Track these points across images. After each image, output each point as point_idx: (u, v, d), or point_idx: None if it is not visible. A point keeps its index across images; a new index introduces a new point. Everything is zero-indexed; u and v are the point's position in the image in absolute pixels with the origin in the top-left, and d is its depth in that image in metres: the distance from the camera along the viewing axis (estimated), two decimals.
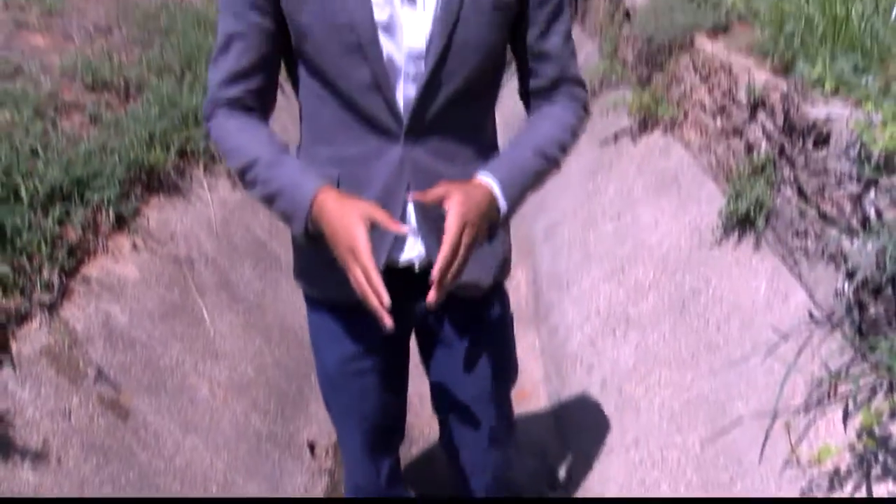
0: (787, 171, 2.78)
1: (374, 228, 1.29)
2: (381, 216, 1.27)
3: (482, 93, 1.52)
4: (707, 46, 3.60)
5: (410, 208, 1.49)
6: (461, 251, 1.28)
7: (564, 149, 1.55)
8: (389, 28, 1.35)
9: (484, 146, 1.57)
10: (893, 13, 2.98)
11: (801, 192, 2.68)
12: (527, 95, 1.61)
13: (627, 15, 4.98)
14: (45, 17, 4.32)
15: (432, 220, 1.48)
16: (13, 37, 3.91)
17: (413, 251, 1.54)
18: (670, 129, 3.80)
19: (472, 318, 1.75)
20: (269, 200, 1.44)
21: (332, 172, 1.47)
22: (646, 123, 4.03)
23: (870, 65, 2.72)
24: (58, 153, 2.82)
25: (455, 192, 1.29)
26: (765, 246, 2.82)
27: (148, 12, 4.81)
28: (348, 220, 1.27)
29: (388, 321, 1.25)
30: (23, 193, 2.52)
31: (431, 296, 1.27)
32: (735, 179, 2.97)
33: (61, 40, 4.06)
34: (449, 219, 1.27)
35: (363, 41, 1.34)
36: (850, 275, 2.31)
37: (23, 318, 2.26)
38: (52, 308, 2.36)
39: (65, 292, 2.47)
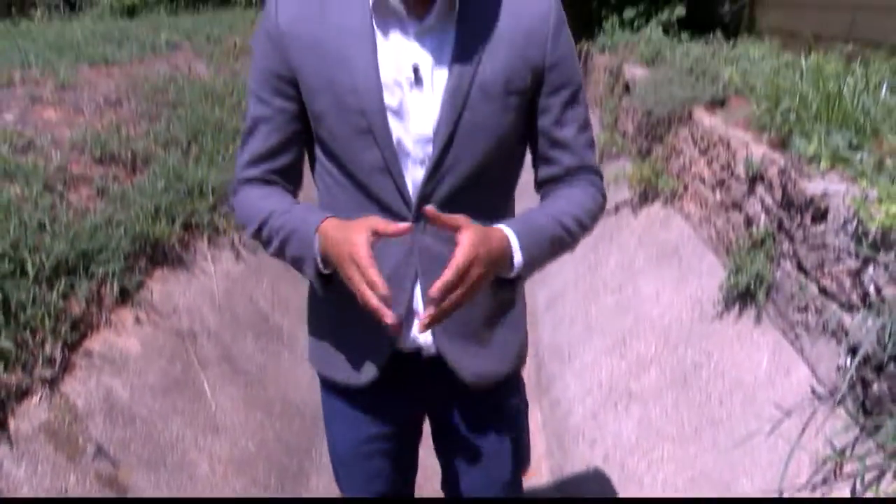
0: (786, 246, 2.80)
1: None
2: (381, 224, 1.26)
3: (495, 178, 1.49)
4: (705, 120, 3.66)
5: (418, 293, 1.48)
6: (465, 283, 1.24)
7: (582, 226, 1.50)
8: (399, 112, 1.37)
9: None
10: (883, 90, 3.04)
11: (800, 267, 2.69)
12: (541, 185, 1.58)
13: (627, 87, 5.08)
14: (58, 90, 4.42)
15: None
16: (28, 111, 4.00)
17: (421, 336, 1.52)
18: (671, 201, 3.84)
19: (486, 406, 1.71)
20: (283, 250, 1.44)
21: None
22: (646, 195, 4.08)
23: (863, 141, 2.77)
24: (65, 226, 2.86)
25: (471, 225, 1.26)
26: (766, 320, 2.82)
27: (156, 85, 4.92)
28: (349, 231, 1.27)
29: (390, 317, 1.22)
30: (29, 267, 2.55)
31: (423, 316, 1.23)
32: (735, 253, 2.99)
33: (72, 113, 4.15)
34: (459, 248, 1.23)
35: (373, 125, 1.36)
36: (853, 351, 2.31)
37: (23, 393, 2.26)
38: (52, 383, 2.36)
39: (66, 367, 2.47)
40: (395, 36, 1.37)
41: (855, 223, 2.39)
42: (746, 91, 3.74)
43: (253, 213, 1.47)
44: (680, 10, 6.54)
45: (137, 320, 2.89)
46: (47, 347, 2.39)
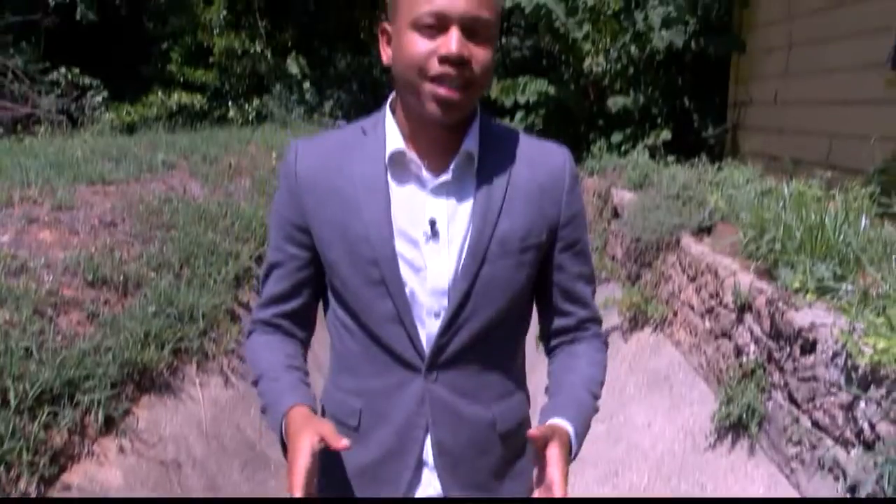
0: (777, 377, 2.80)
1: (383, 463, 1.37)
2: (327, 433, 1.25)
3: (507, 332, 1.48)
4: (693, 247, 3.72)
5: (428, 444, 1.45)
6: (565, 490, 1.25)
7: (602, 387, 1.54)
8: (413, 264, 1.38)
9: (509, 386, 1.53)
10: (862, 221, 3.11)
11: (792, 399, 2.68)
12: (549, 335, 1.59)
13: (616, 211, 5.17)
14: (55, 211, 4.47)
15: (449, 458, 1.45)
16: (23, 232, 4.03)
17: (429, 488, 1.48)
18: (661, 328, 3.85)
19: None
20: (264, 414, 1.46)
21: (355, 404, 1.47)
22: (636, 321, 4.09)
23: (847, 272, 2.81)
24: (52, 353, 2.84)
25: (557, 440, 1.28)
26: (759, 452, 2.78)
27: (151, 206, 4.98)
28: (300, 435, 1.26)
29: None
30: (11, 397, 2.51)
31: None
32: (726, 383, 2.98)
33: (67, 235, 4.18)
34: (554, 468, 1.25)
35: (385, 276, 1.36)
36: (852, 489, 2.27)
37: None
38: None
39: None
40: (412, 188, 1.39)
41: (844, 356, 2.40)
42: (732, 218, 3.82)
43: (254, 366, 1.51)
44: (666, 135, 6.75)
45: (121, 450, 2.83)
46: (21, 483, 2.33)
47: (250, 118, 13.59)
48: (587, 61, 7.37)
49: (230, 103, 13.91)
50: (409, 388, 1.42)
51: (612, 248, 5.08)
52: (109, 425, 2.84)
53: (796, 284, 2.76)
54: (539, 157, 1.46)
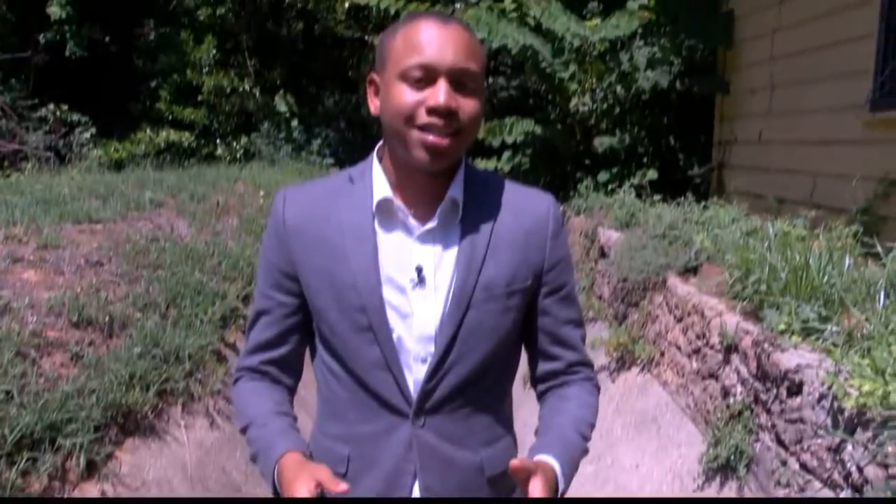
0: (764, 418, 2.80)
1: None
2: (324, 478, 1.25)
3: (494, 376, 1.49)
4: (679, 287, 3.73)
5: (416, 490, 1.45)
6: None
7: (593, 428, 1.54)
8: (400, 311, 1.39)
9: (497, 429, 1.52)
10: (846, 262, 3.14)
11: (780, 441, 2.68)
12: (538, 380, 1.60)
13: (603, 251, 5.19)
14: (40, 250, 4.45)
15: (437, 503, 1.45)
16: (7, 272, 4.00)
17: None
18: (648, 368, 3.85)
19: None
20: (255, 460, 1.46)
21: (342, 451, 1.46)
22: (623, 361, 4.09)
23: (832, 313, 2.83)
24: (34, 396, 2.81)
25: (540, 474, 1.27)
26: (748, 494, 2.77)
27: (138, 245, 4.96)
28: (296, 481, 1.27)
29: None
30: None
31: None
32: (713, 424, 2.98)
33: (52, 275, 4.15)
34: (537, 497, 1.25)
35: (373, 323, 1.37)
36: None
37: None
38: None
39: None
40: (398, 235, 1.40)
41: (830, 399, 2.40)
42: (718, 258, 3.84)
43: (241, 413, 1.50)
44: (652, 174, 6.80)
45: (103, 494, 2.78)
46: None
47: (238, 156, 13.63)
48: (573, 101, 7.45)
49: (218, 141, 13.95)
50: (397, 434, 1.42)
51: (599, 287, 5.09)
52: (91, 470, 2.81)
53: (782, 326, 2.78)
54: (524, 203, 1.48)
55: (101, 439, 2.91)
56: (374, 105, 1.41)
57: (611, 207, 5.78)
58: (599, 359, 4.31)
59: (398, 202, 1.39)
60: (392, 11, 7.35)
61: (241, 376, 1.55)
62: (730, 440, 2.82)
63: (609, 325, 4.43)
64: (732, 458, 2.79)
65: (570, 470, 1.42)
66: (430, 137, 1.30)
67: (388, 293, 1.38)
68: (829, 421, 2.40)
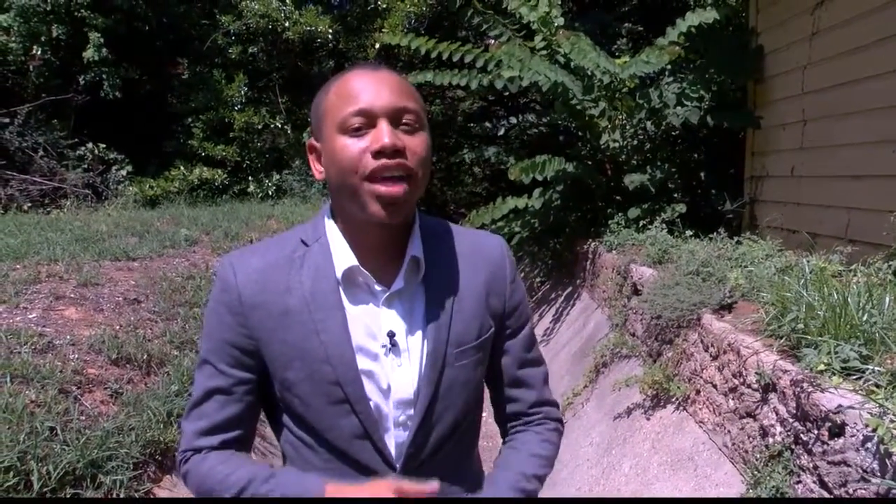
0: (805, 459, 2.75)
1: None
2: (408, 485, 1.26)
3: (468, 427, 1.52)
4: (714, 325, 3.70)
5: None
6: None
7: (542, 481, 1.54)
8: (375, 379, 1.37)
9: (472, 479, 1.55)
10: (886, 301, 3.09)
11: (823, 483, 2.63)
12: (501, 421, 1.63)
13: (636, 288, 5.16)
14: (80, 287, 4.55)
15: None
16: (49, 309, 4.09)
17: None
18: (683, 406, 3.81)
19: None
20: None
21: None
22: (658, 399, 4.05)
23: (874, 353, 2.79)
24: (76, 433, 2.85)
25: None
26: None
27: (174, 283, 5.05)
28: (374, 486, 1.27)
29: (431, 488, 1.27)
30: (34, 479, 2.52)
31: None
32: (752, 464, 2.93)
33: (92, 312, 4.24)
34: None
35: (349, 394, 1.35)
36: None
37: None
38: None
39: None
40: (364, 301, 1.38)
41: (876, 442, 2.36)
42: (753, 295, 3.81)
43: (222, 482, 1.37)
44: (682, 209, 6.78)
45: None
46: None
47: (270, 193, 13.79)
48: (604, 137, 7.47)
49: (250, 178, 14.12)
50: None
51: (631, 324, 5.05)
52: None
53: (821, 366, 2.74)
54: (478, 251, 1.50)
55: (139, 476, 2.94)
56: (317, 171, 1.39)
57: (643, 244, 5.77)
58: (634, 397, 4.28)
59: (361, 269, 1.36)
60: (422, 52, 7.44)
61: (194, 457, 1.42)
62: (770, 481, 2.78)
63: (643, 362, 4.40)
64: (773, 499, 2.74)
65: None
66: (382, 188, 1.27)
67: (362, 363, 1.36)
68: (875, 465, 2.35)
